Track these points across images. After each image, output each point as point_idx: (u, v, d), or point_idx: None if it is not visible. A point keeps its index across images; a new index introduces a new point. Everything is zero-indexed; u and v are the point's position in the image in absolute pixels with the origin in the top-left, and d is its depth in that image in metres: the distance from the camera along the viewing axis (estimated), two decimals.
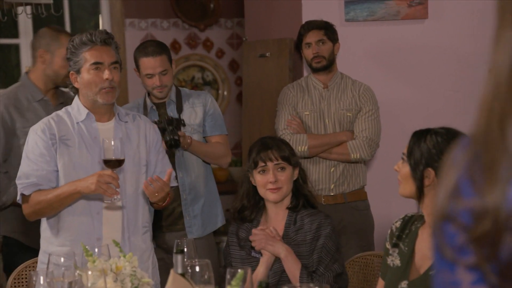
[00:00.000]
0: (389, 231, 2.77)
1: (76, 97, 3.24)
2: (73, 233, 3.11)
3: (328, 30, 4.24)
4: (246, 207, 3.21)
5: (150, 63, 3.87)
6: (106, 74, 3.14)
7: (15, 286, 3.29)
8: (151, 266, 3.29)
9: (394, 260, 2.69)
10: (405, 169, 2.61)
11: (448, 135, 2.57)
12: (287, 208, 3.17)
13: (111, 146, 3.01)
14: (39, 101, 3.95)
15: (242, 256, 3.17)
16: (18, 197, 3.15)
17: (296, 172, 3.19)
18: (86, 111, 3.19)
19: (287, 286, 1.88)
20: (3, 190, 3.91)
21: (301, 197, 3.18)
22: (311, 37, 4.22)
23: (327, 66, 4.23)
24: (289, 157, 3.16)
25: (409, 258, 2.65)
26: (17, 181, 3.14)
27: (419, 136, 2.60)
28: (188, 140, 3.88)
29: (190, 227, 3.97)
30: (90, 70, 3.15)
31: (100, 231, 3.14)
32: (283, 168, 3.15)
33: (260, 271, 3.05)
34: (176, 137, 3.78)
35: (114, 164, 3.03)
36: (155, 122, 3.68)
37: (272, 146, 3.17)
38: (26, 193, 3.11)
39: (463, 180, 1.04)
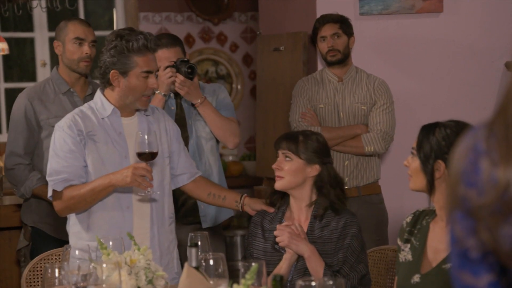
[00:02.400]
0: (400, 228, 2.76)
1: (99, 93, 3.23)
2: (104, 228, 3.11)
3: (343, 24, 4.23)
4: (276, 192, 3.23)
5: (164, 55, 3.89)
6: (152, 82, 3.15)
7: (30, 278, 3.31)
8: (176, 256, 3.31)
9: (406, 255, 2.69)
10: (415, 163, 2.61)
11: (457, 127, 2.57)
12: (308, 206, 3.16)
13: (145, 139, 3.03)
14: (65, 93, 3.99)
15: (266, 248, 3.16)
16: (50, 194, 3.15)
17: (313, 170, 3.14)
18: (111, 106, 3.19)
19: (302, 280, 1.88)
20: (23, 181, 3.95)
21: (323, 198, 3.13)
22: (326, 30, 4.22)
23: (342, 59, 4.23)
24: (299, 150, 3.13)
25: (420, 252, 2.65)
26: (48, 178, 3.14)
27: (428, 129, 2.60)
28: (202, 97, 3.86)
29: (204, 216, 3.97)
30: (139, 77, 3.13)
31: (131, 225, 3.14)
32: (288, 158, 3.14)
33: (283, 268, 3.04)
34: (191, 64, 3.79)
35: (148, 157, 3.05)
36: (171, 65, 3.77)
37: (292, 137, 3.17)
38: (58, 189, 3.11)
39: (472, 166, 1.06)
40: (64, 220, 3.27)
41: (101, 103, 3.21)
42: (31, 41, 6.45)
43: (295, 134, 3.19)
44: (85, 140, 3.14)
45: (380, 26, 4.67)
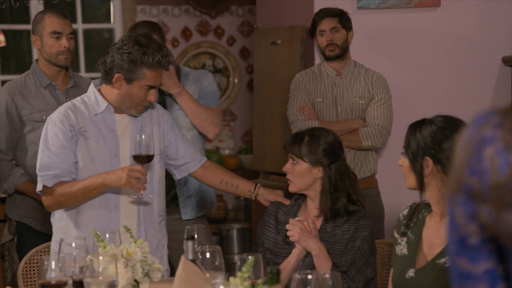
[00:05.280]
0: (397, 220, 2.77)
1: (93, 88, 3.19)
2: (91, 226, 3.04)
3: (342, 18, 4.23)
4: None
5: None
6: (152, 96, 3.13)
7: (26, 270, 3.31)
8: (165, 253, 3.30)
9: (402, 249, 2.69)
10: (406, 162, 2.62)
11: (444, 123, 2.58)
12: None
13: (142, 141, 3.02)
14: (46, 86, 3.94)
15: (277, 240, 3.15)
16: (39, 188, 3.11)
17: (319, 172, 3.11)
18: (105, 103, 3.15)
19: (298, 273, 1.88)
20: (6, 177, 3.93)
21: (330, 199, 3.10)
22: (325, 24, 4.21)
23: (341, 54, 4.22)
24: (302, 153, 3.11)
25: (416, 246, 2.66)
26: (38, 172, 3.11)
27: (414, 127, 2.61)
28: (179, 87, 3.81)
29: (184, 207, 3.93)
30: (142, 89, 3.10)
31: (117, 224, 3.13)
32: (294, 161, 3.14)
33: (291, 262, 3.04)
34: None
35: (144, 159, 3.04)
36: None
37: (298, 139, 3.14)
38: (49, 185, 3.07)
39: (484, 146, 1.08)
40: (50, 214, 3.25)
41: (95, 98, 3.17)
42: (28, 33, 6.42)
43: (302, 135, 3.16)
44: (76, 136, 3.11)
45: (378, 20, 4.66)
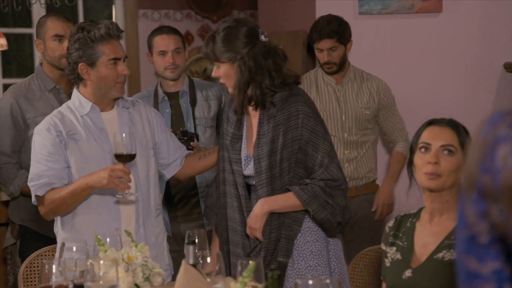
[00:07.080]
0: (383, 233, 2.76)
1: (76, 92, 3.20)
2: (92, 229, 3.05)
3: (340, 37, 4.17)
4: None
5: (164, 40, 3.87)
6: (122, 69, 3.13)
7: (27, 274, 3.31)
8: (166, 247, 3.31)
9: (394, 256, 2.67)
10: (454, 160, 2.56)
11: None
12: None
13: (122, 140, 3.01)
14: (51, 90, 3.95)
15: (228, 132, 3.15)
16: (33, 199, 3.14)
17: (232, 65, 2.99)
18: (89, 103, 3.17)
19: (299, 279, 1.89)
20: (11, 180, 3.93)
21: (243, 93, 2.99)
22: (323, 45, 4.18)
23: (338, 69, 4.24)
24: (216, 53, 2.98)
25: (409, 250, 2.65)
26: (29, 183, 3.13)
27: (455, 123, 2.62)
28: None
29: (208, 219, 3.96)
30: (108, 65, 3.11)
31: (118, 221, 3.14)
32: (216, 67, 3.02)
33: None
34: (190, 148, 3.67)
35: (126, 158, 3.02)
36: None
37: (211, 42, 3.02)
38: (40, 193, 3.10)
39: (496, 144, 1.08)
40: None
41: (79, 101, 3.19)
42: (30, 36, 6.44)
43: (213, 36, 3.01)
44: (65, 140, 3.12)
45: (379, 26, 4.67)
